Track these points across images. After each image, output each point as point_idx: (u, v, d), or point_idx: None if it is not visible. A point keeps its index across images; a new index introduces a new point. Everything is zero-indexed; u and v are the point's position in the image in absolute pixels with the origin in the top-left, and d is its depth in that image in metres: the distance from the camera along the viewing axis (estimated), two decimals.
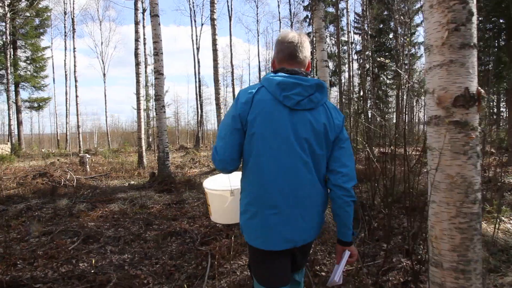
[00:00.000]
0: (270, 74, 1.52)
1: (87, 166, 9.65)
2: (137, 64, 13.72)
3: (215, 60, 10.83)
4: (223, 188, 2.02)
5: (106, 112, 30.49)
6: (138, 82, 13.77)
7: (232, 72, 26.29)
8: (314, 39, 5.38)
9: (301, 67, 1.58)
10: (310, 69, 1.64)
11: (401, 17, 29.65)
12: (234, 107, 1.50)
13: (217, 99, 11.09)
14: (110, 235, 4.10)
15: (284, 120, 1.45)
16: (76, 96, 19.13)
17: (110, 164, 12.76)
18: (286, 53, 1.57)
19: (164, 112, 7.53)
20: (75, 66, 19.29)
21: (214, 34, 10.78)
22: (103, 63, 30.61)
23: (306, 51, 1.60)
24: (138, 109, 13.75)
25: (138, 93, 13.76)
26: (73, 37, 19.22)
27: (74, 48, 19.21)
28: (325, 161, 1.55)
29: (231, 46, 25.54)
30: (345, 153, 1.56)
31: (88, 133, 57.08)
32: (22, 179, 8.13)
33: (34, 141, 49.75)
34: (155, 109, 7.32)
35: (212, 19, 10.88)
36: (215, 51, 10.76)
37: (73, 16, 20.20)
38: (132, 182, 8.99)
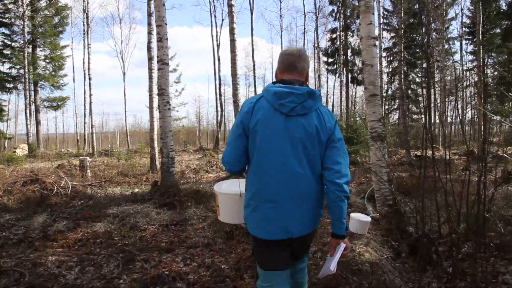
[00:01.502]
0: (269, 85, 1.73)
1: (88, 171, 8.58)
2: (150, 59, 12.68)
3: (232, 51, 9.57)
4: (232, 192, 2.10)
5: (125, 111, 29.93)
6: (150, 78, 12.73)
7: (254, 69, 25.04)
8: (359, 9, 4.02)
9: (300, 77, 1.76)
10: (308, 79, 1.83)
11: (435, 9, 27.62)
12: (239, 115, 1.74)
13: (235, 95, 9.83)
14: (67, 282, 2.87)
15: (280, 124, 1.64)
16: (90, 95, 18.32)
17: (119, 167, 11.73)
18: (286, 63, 1.77)
19: (169, 109, 6.31)
20: (89, 63, 18.49)
21: (232, 22, 9.53)
22: (123, 61, 30.04)
23: (304, 63, 1.78)
24: (151, 107, 12.71)
25: (150, 90, 12.72)
26: (87, 32, 18.42)
27: (88, 44, 18.41)
28: (319, 160, 1.70)
29: (252, 41, 24.28)
30: (337, 152, 1.70)
31: (110, 133, 57.35)
32: (11, 186, 7.12)
33: (59, 140, 50.36)
34: (158, 105, 6.11)
35: (230, 5, 9.63)
36: (232, 41, 9.50)
37: (87, 11, 19.42)
38: (136, 190, 7.85)
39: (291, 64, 1.76)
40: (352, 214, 4.27)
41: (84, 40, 18.09)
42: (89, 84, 17.80)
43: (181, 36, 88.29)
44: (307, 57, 1.81)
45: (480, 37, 13.36)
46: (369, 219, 4.23)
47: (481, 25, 13.05)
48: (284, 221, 1.66)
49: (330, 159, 1.69)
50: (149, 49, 12.75)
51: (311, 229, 1.76)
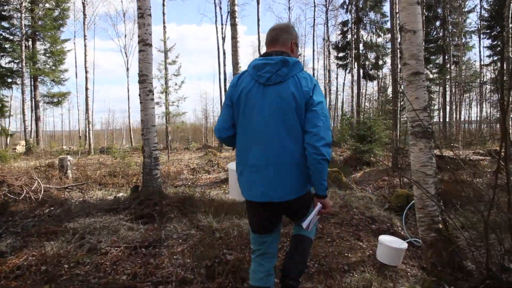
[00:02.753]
0: (253, 60, 1.87)
1: (69, 171, 7.58)
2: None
3: (234, 37, 8.49)
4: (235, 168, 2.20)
5: (129, 108, 29.27)
6: None
7: None
8: None
9: (282, 47, 1.86)
10: (294, 49, 1.91)
11: (452, 1, 26.25)
12: (228, 89, 1.95)
13: None
14: None
15: (259, 94, 1.77)
16: (86, 89, 17.41)
17: (111, 166, 10.72)
18: (269, 38, 1.90)
19: (152, 99, 5.26)
20: (85, 55, 17.54)
21: (233, 4, 8.44)
22: (126, 57, 29.27)
23: (286, 34, 1.88)
24: None
25: None
26: (84, 23, 17.46)
27: (84, 36, 17.45)
28: (299, 126, 1.74)
29: (258, 33, 23.13)
30: (316, 115, 1.72)
31: (117, 130, 56.77)
32: None
33: (65, 137, 49.93)
34: (138, 95, 5.06)
35: None
36: (234, 25, 8.41)
37: (84, 0, 18.45)
38: (120, 194, 6.85)
39: (273, 38, 1.88)
40: (381, 238, 3.11)
41: (84, 30, 17.03)
42: (85, 78, 16.86)
43: (189, 35, 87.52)
44: (291, 29, 1.91)
45: (510, 25, 12.02)
46: (404, 245, 3.10)
47: (511, 10, 11.71)
48: (263, 185, 1.77)
49: (309, 122, 1.72)
50: None
51: (295, 195, 1.79)
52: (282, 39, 1.85)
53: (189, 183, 8.81)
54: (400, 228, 4.25)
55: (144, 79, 5.20)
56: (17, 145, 22.18)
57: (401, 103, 24.89)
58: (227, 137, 1.90)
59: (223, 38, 22.65)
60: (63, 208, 5.34)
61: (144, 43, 5.21)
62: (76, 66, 28.00)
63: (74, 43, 27.35)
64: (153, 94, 5.29)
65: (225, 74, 22.39)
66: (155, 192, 4.96)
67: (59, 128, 54.53)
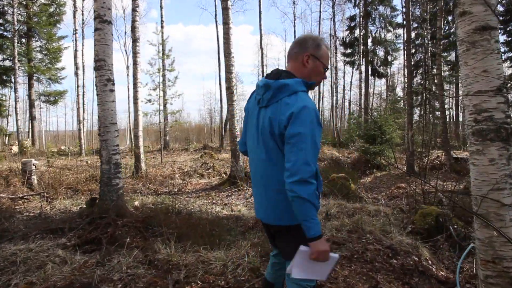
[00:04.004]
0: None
1: (33, 177, 6.55)
2: (135, 41, 10.68)
3: (226, 23, 7.44)
4: None
5: (129, 107, 28.31)
6: (135, 63, 10.71)
7: (262, 57, 22.66)
8: None
9: (294, 63, 1.71)
10: (309, 64, 1.68)
11: None
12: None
13: (228, 80, 7.68)
14: None
15: (255, 115, 1.72)
16: (77, 86, 16.46)
17: (96, 169, 9.69)
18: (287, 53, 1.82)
19: (112, 90, 4.20)
20: (76, 50, 16.61)
21: None
22: (126, 55, 28.31)
23: (299, 48, 1.70)
24: (135, 98, 10.70)
25: (135, 78, 10.68)
26: (74, 16, 16.46)
27: (75, 30, 16.49)
28: (281, 153, 1.59)
29: (260, 26, 22.00)
30: (290, 149, 1.54)
31: (122, 130, 56.18)
32: None
33: (68, 137, 49.31)
34: (95, 84, 3.98)
35: None
36: (225, 9, 7.35)
37: None
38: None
39: (288, 53, 1.78)
40: None
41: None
42: (76, 74, 15.90)
43: (196, 35, 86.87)
44: (307, 41, 1.71)
45: None
46: None
47: None
48: (258, 203, 1.75)
49: (285, 156, 1.56)
50: (133, 29, 10.77)
51: (282, 222, 1.65)
52: (292, 55, 1.73)
53: (176, 190, 7.75)
54: (430, 262, 3.13)
55: (101, 65, 4.13)
56: (13, 145, 21.43)
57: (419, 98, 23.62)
58: (245, 151, 1.93)
59: None
60: (3, 226, 4.30)
61: (101, 20, 4.14)
62: (75, 65, 27.11)
63: (73, 41, 26.45)
64: (113, 84, 4.23)
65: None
66: (112, 208, 3.89)
67: (63, 128, 54.12)
